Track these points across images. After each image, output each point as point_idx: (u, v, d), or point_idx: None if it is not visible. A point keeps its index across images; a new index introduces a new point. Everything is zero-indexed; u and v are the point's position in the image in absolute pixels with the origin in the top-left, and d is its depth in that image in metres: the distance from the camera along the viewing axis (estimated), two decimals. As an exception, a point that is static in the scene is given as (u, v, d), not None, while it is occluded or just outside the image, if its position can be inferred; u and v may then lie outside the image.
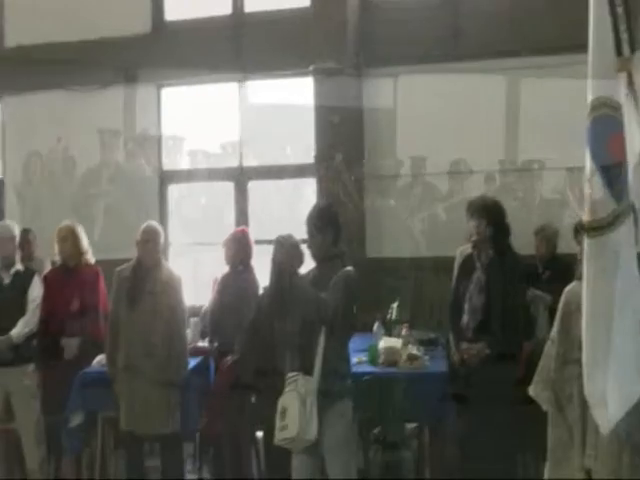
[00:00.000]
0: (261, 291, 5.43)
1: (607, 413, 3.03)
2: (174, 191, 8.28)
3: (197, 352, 5.87)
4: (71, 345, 5.74)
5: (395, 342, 5.59)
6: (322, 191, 7.25)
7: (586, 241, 3.10)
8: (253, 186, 7.99)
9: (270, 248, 4.42)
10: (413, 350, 5.46)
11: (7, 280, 5.72)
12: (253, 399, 5.45)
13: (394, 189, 7.48)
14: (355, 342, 4.78)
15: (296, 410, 4.13)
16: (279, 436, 4.24)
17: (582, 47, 3.37)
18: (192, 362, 5.61)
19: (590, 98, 3.09)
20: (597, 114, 3.06)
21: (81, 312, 5.79)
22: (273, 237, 4.46)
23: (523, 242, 5.38)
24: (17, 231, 5.89)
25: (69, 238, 5.92)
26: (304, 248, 4.53)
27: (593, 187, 3.04)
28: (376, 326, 5.78)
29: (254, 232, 6.19)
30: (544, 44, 6.71)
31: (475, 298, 4.90)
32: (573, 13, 4.48)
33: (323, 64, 7.08)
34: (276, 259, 4.37)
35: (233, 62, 7.60)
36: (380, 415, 5.10)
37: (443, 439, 5.10)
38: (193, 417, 5.49)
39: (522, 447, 4.92)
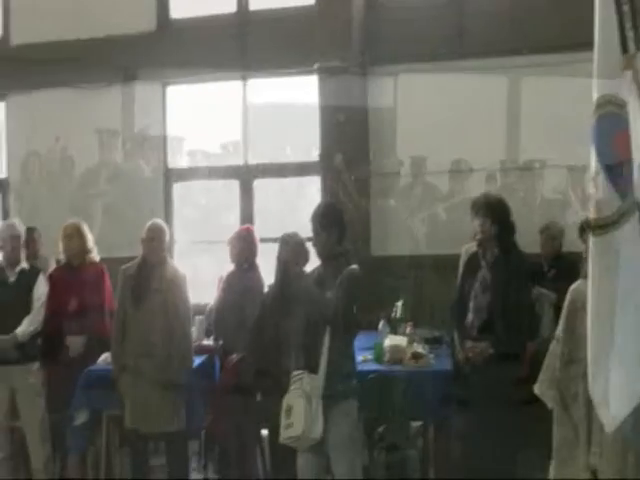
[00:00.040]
0: (266, 289, 5.45)
1: (611, 412, 3.02)
2: (179, 189, 8.28)
3: (202, 350, 5.88)
4: (76, 343, 5.76)
5: (400, 340, 5.60)
6: (326, 189, 7.26)
7: (591, 239, 3.10)
8: (258, 184, 7.99)
9: (275, 246, 4.43)
10: (418, 348, 5.48)
11: (12, 278, 5.73)
12: (258, 397, 5.45)
13: (398, 187, 7.48)
14: (360, 340, 4.78)
15: (301, 408, 4.14)
16: (284, 434, 4.25)
17: (585, 45, 3.38)
18: (197, 360, 5.63)
19: (595, 96, 3.08)
20: (602, 112, 3.05)
21: (86, 310, 5.80)
22: (278, 235, 4.46)
23: (525, 241, 5.37)
24: (23, 230, 5.90)
25: (75, 236, 5.93)
26: (309, 246, 4.54)
27: (598, 185, 3.03)
28: (381, 324, 5.78)
29: (259, 230, 6.20)
30: (547, 42, 6.71)
31: (480, 296, 4.89)
32: (576, 12, 4.49)
33: (328, 63, 7.08)
34: (281, 257, 4.39)
35: (238, 60, 7.60)
36: (385, 413, 5.11)
37: (448, 437, 5.09)
38: (198, 415, 5.49)
39: (527, 446, 4.91)
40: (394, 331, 5.88)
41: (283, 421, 4.25)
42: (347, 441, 4.25)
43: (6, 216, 8.18)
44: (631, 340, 2.99)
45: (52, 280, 5.94)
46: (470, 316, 4.93)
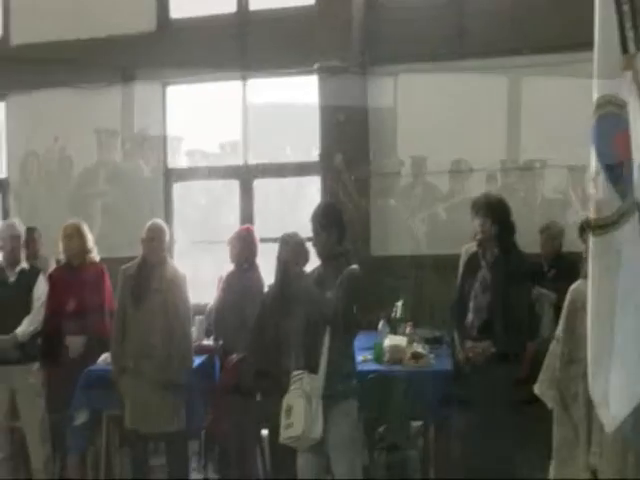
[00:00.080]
0: (266, 289, 5.45)
1: (611, 412, 3.02)
2: (179, 189, 8.27)
3: (202, 350, 5.87)
4: (76, 343, 5.76)
5: (400, 340, 5.60)
6: (326, 189, 7.26)
7: (591, 239, 3.09)
8: (258, 184, 7.99)
9: (275, 246, 4.43)
10: (418, 348, 5.48)
11: (12, 278, 5.73)
12: (258, 397, 5.45)
13: (398, 187, 7.48)
14: (360, 340, 4.78)
15: (301, 408, 4.14)
16: (284, 434, 4.25)
17: (585, 45, 3.38)
18: (197, 360, 5.63)
19: (595, 96, 3.08)
20: (602, 112, 3.05)
21: (86, 310, 5.80)
22: (278, 235, 4.46)
23: (525, 241, 5.37)
24: (22, 230, 5.90)
25: (75, 236, 5.93)
26: (309, 246, 4.53)
27: (598, 185, 3.03)
28: (381, 324, 5.78)
29: (259, 230, 6.20)
30: (547, 42, 6.71)
31: (480, 296, 4.90)
32: (576, 12, 4.49)
33: (328, 62, 7.08)
34: (281, 257, 4.39)
35: (238, 60, 7.60)
36: (385, 413, 5.10)
37: (448, 437, 5.09)
38: (198, 415, 5.49)
39: (527, 446, 4.91)
40: (394, 331, 5.88)
41: (283, 421, 4.25)
42: (347, 441, 4.25)
43: (6, 216, 8.18)
44: (631, 340, 2.99)
45: (52, 280, 5.93)
46: (470, 316, 4.93)
